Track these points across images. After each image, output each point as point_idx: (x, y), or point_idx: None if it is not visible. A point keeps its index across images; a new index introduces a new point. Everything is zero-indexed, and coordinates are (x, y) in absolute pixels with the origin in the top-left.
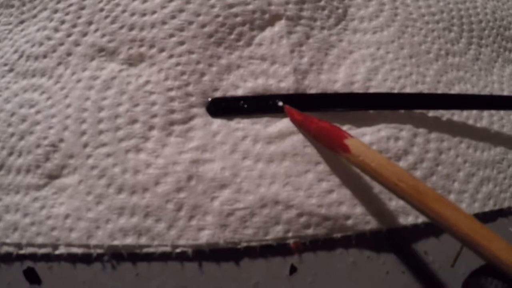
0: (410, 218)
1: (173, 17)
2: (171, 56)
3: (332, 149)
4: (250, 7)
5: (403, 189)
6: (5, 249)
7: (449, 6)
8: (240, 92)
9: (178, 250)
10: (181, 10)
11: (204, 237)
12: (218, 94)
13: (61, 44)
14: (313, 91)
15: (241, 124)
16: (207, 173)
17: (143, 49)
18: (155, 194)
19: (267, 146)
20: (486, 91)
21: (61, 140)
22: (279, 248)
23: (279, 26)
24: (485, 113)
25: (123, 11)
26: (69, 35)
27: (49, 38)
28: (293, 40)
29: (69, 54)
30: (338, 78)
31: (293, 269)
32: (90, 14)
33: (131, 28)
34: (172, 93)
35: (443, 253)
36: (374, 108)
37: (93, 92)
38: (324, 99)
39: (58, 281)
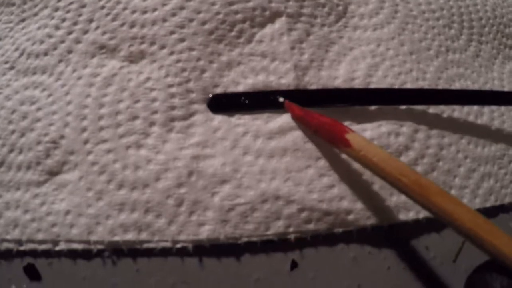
0: (411, 213)
1: (173, 15)
2: (171, 53)
3: (333, 144)
4: (251, 4)
5: (406, 184)
6: (6, 245)
7: (449, 3)
8: (240, 89)
9: (178, 246)
10: (181, 8)
11: (205, 233)
12: (218, 90)
13: (62, 41)
14: (313, 87)
15: (242, 120)
16: (207, 169)
17: (143, 46)
18: (156, 189)
19: (267, 141)
20: (486, 88)
21: (62, 137)
22: (280, 244)
23: (280, 23)
24: (486, 109)
25: (124, 9)
26: (70, 33)
27: (50, 36)
28: (294, 37)
29: (70, 51)
30: (339, 75)
31: (294, 265)
32: (91, 12)
33: (132, 26)
34: (173, 90)
35: (445, 249)
36: (375, 103)
37: (93, 89)
38: (324, 95)
39: (59, 277)
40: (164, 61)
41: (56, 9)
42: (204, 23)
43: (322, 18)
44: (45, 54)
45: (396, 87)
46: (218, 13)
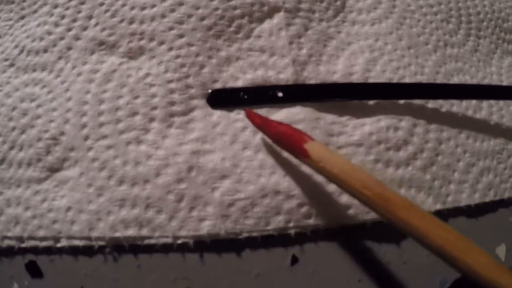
0: None
1: (172, 10)
2: (170, 49)
3: (293, 154)
4: None
5: (369, 197)
6: (7, 242)
7: None
8: (239, 84)
9: (179, 241)
10: (180, 4)
11: (205, 228)
12: (217, 85)
13: (62, 38)
14: (312, 82)
15: (241, 115)
16: (207, 164)
17: (143, 42)
18: (156, 185)
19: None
20: (484, 82)
21: (62, 133)
22: (280, 239)
23: (278, 18)
24: (485, 103)
25: (123, 5)
26: (69, 30)
27: (49, 33)
28: (292, 32)
29: (69, 48)
30: (337, 69)
31: (294, 260)
32: (90, 8)
33: (131, 22)
34: (172, 85)
35: None
36: (374, 98)
37: (93, 85)
38: (323, 90)
39: (60, 273)
40: (163, 56)
41: (55, 6)
42: (202, 18)
43: (320, 13)
44: (45, 51)
45: (395, 81)
46: (216, 8)
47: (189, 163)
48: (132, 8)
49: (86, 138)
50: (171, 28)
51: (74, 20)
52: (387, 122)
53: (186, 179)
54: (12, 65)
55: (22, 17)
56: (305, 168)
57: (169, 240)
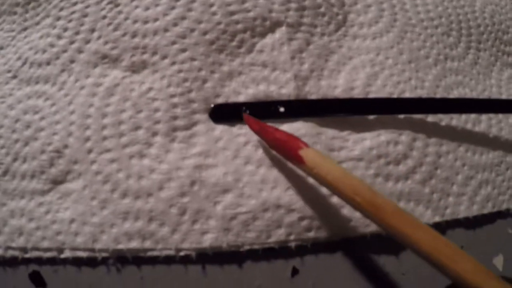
0: None
1: (175, 25)
2: (173, 63)
3: (289, 160)
4: (251, 14)
5: (359, 203)
6: (11, 253)
7: (448, 11)
8: (241, 99)
9: (182, 254)
10: (183, 18)
11: (208, 241)
12: (220, 100)
13: (64, 51)
14: (313, 97)
15: (243, 130)
16: (210, 178)
17: (145, 56)
18: (159, 199)
19: (268, 151)
20: (484, 95)
21: (66, 146)
22: (281, 251)
23: (280, 33)
24: (484, 116)
25: (126, 19)
26: (72, 42)
27: (52, 45)
28: (294, 47)
29: (72, 61)
30: (338, 84)
31: (295, 272)
32: (93, 21)
33: (134, 35)
34: (175, 100)
35: None
36: (374, 113)
37: (96, 98)
38: (324, 105)
39: (64, 284)
40: (166, 71)
41: (58, 18)
42: (205, 33)
43: (322, 27)
44: (48, 63)
45: (395, 95)
46: (219, 23)
47: (192, 177)
48: (135, 21)
49: (90, 151)
50: (173, 42)
51: (77, 33)
52: (387, 137)
53: (189, 193)
54: (15, 76)
55: (25, 29)
56: (306, 183)
57: (171, 252)
